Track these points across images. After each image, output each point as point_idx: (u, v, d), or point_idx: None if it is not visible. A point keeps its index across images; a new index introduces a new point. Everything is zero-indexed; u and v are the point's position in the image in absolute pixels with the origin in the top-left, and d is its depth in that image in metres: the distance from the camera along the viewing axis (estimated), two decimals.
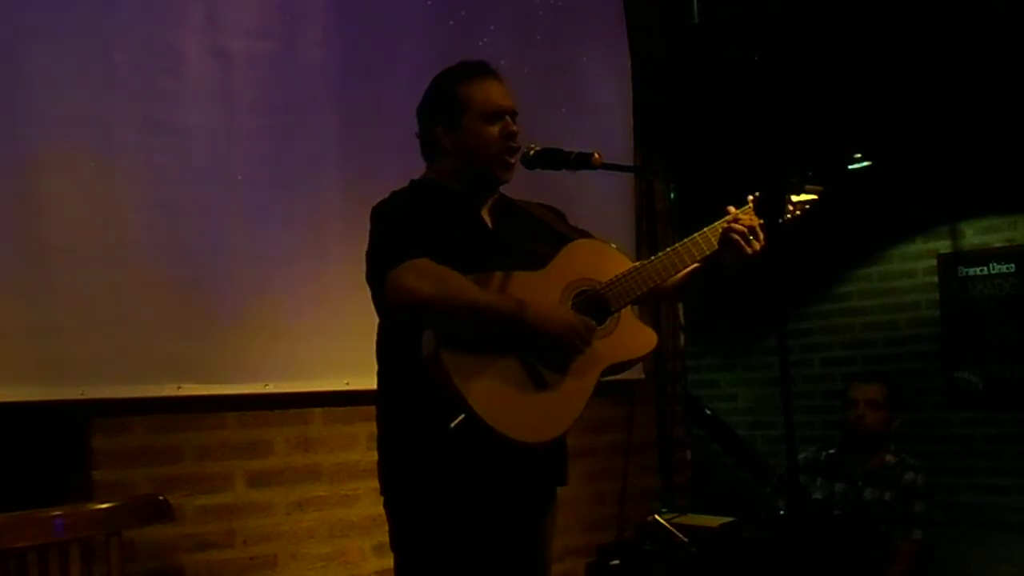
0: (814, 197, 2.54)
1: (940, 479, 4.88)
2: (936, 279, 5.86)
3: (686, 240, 2.48)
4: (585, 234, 2.56)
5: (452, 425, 2.16)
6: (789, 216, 2.53)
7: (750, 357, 6.63)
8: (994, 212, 5.68)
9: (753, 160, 4.91)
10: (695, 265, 2.52)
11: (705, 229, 2.49)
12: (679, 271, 2.48)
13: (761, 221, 2.46)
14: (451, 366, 2.18)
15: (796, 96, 4.74)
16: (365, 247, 2.38)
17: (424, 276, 2.19)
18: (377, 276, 2.29)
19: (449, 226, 2.36)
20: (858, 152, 5.56)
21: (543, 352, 2.26)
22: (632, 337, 2.42)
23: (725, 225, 2.45)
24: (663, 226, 4.36)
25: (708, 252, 2.48)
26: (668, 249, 2.48)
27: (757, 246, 2.44)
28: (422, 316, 2.24)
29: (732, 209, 2.49)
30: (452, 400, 2.17)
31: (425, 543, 2.33)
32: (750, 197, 2.51)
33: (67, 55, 2.94)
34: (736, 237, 2.43)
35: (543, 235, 2.48)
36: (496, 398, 2.20)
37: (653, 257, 2.47)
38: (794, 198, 2.52)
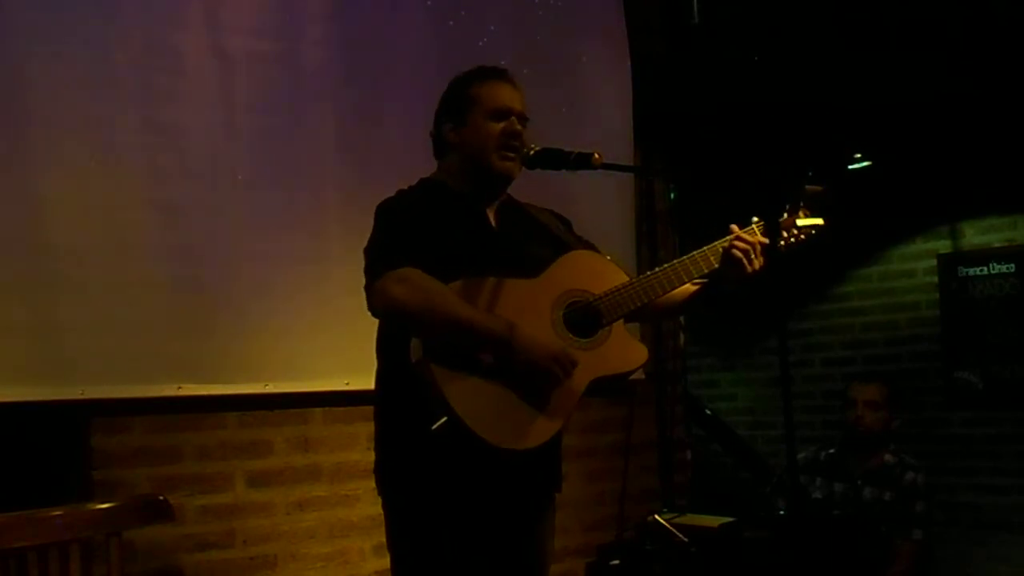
0: (819, 222, 2.53)
1: (940, 479, 4.88)
2: (936, 279, 5.86)
3: (684, 258, 2.48)
4: (589, 245, 2.57)
5: (434, 428, 2.17)
6: (793, 240, 2.52)
7: (750, 357, 6.63)
8: (994, 212, 5.68)
9: (753, 160, 4.91)
10: (692, 284, 2.52)
11: (704, 248, 2.48)
12: (674, 288, 2.47)
13: (765, 240, 2.44)
14: (436, 370, 2.19)
15: (796, 96, 4.74)
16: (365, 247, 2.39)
17: (409, 287, 2.21)
18: (368, 278, 2.31)
19: (451, 227, 2.37)
20: (858, 152, 5.56)
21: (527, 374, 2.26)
22: (621, 351, 2.41)
23: (727, 244, 2.45)
24: (663, 226, 4.36)
25: (706, 271, 2.47)
26: (665, 265, 2.47)
27: (758, 265, 2.44)
28: (404, 323, 2.26)
29: (735, 228, 2.49)
30: (436, 403, 2.18)
31: (420, 543, 2.33)
32: (755, 219, 2.50)
33: (67, 55, 2.94)
34: (739, 255, 2.43)
35: (547, 240, 2.48)
36: (479, 403, 2.20)
37: (649, 272, 2.46)
38: (799, 222, 2.52)
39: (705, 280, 2.52)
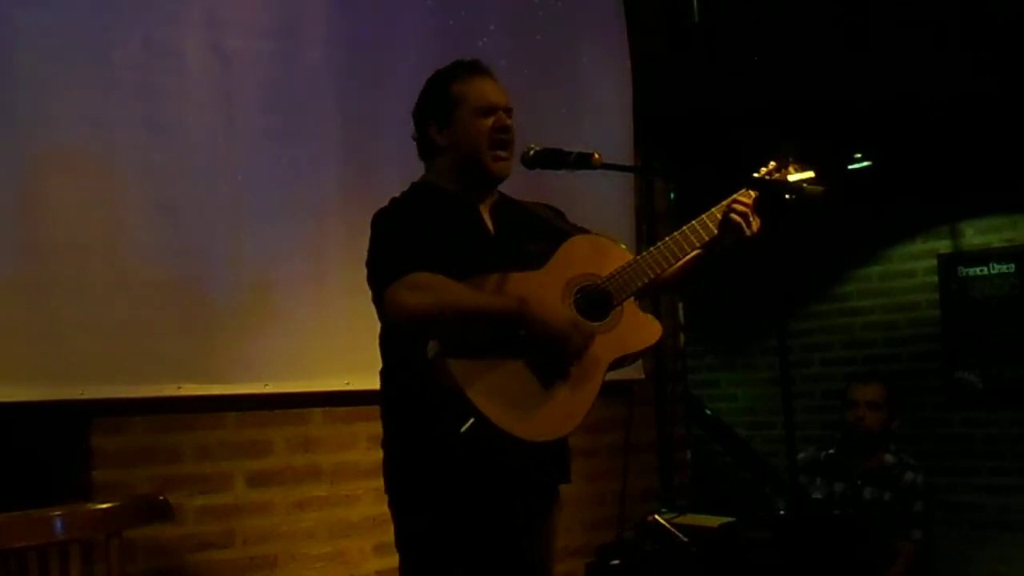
0: (811, 174, 2.55)
1: (940, 479, 4.88)
2: (936, 279, 5.86)
3: (684, 228, 2.49)
4: (586, 232, 2.56)
5: (463, 430, 2.16)
6: (789, 197, 2.53)
7: (750, 357, 6.62)
8: (994, 212, 5.68)
9: (753, 160, 4.90)
10: (695, 252, 2.52)
11: (703, 216, 2.50)
12: (679, 259, 2.49)
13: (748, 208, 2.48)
14: (457, 372, 2.18)
15: (796, 96, 4.74)
16: (365, 246, 2.38)
17: (420, 290, 2.20)
18: (376, 290, 2.31)
19: (450, 230, 2.35)
20: (858, 152, 5.56)
21: (546, 351, 2.26)
22: (637, 329, 2.42)
23: (725, 208, 2.48)
24: (663, 226, 4.35)
25: (707, 238, 2.49)
26: (667, 238, 2.49)
27: (755, 227, 2.47)
28: (423, 329, 2.24)
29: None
30: (460, 405, 2.17)
31: (430, 544, 2.32)
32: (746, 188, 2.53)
33: (67, 55, 2.94)
34: (737, 219, 2.45)
35: (544, 234, 2.48)
36: (504, 400, 2.19)
37: (652, 248, 2.48)
38: (790, 178, 2.54)
39: (706, 247, 2.53)
